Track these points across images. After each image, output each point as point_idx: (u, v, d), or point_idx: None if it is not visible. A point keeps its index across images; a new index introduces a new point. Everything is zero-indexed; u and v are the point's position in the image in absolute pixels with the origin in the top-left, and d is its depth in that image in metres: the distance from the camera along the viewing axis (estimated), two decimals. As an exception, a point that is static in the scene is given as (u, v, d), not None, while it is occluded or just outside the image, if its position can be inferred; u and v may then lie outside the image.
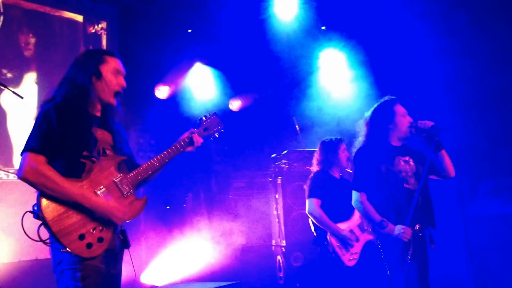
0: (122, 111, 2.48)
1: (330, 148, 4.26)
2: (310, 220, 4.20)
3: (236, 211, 6.00)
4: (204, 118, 2.71)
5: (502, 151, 5.37)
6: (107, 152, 2.36)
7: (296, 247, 5.37)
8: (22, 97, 3.94)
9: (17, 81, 5.62)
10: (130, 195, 2.33)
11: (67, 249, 2.10)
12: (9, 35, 5.59)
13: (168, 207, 6.18)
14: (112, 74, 2.38)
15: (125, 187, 2.32)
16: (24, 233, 2.15)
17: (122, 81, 2.41)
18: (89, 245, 2.15)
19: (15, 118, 5.54)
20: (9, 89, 3.83)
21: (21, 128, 5.57)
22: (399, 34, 5.72)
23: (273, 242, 5.78)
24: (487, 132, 5.45)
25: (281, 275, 5.47)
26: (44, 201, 2.13)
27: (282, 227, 5.49)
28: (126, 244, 2.36)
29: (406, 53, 5.75)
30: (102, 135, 2.36)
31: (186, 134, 2.59)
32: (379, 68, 6.03)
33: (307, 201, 4.19)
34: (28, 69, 5.75)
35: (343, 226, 4.03)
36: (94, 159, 2.26)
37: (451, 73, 5.59)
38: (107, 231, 2.22)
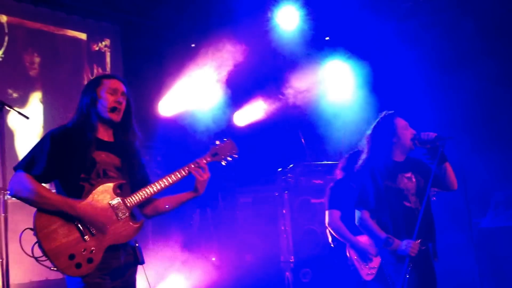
0: (139, 134, 2.57)
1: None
2: (328, 231, 4.16)
3: (244, 227, 5.94)
4: (217, 142, 2.70)
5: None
6: (110, 174, 2.41)
7: (305, 263, 5.32)
8: (27, 118, 3.93)
9: (23, 101, 5.64)
10: (124, 218, 2.36)
11: (56, 268, 2.18)
12: (14, 55, 5.62)
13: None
14: (108, 93, 2.47)
15: (121, 210, 2.36)
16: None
17: (117, 97, 2.47)
18: (78, 265, 2.21)
19: (23, 138, 5.56)
20: (15, 110, 3.83)
21: (29, 148, 5.57)
22: (404, 45, 5.68)
23: (281, 258, 5.72)
24: (499, 142, 5.37)
25: (289, 292, 5.39)
26: (37, 218, 2.22)
27: (290, 243, 5.43)
28: (138, 261, 2.43)
29: (413, 64, 5.70)
30: (107, 158, 2.43)
31: (186, 166, 2.57)
32: (385, 80, 5.97)
33: (326, 213, 4.15)
34: (33, 89, 5.78)
35: (363, 239, 3.96)
36: (93, 181, 2.34)
37: (458, 82, 5.53)
38: (98, 253, 2.26)
